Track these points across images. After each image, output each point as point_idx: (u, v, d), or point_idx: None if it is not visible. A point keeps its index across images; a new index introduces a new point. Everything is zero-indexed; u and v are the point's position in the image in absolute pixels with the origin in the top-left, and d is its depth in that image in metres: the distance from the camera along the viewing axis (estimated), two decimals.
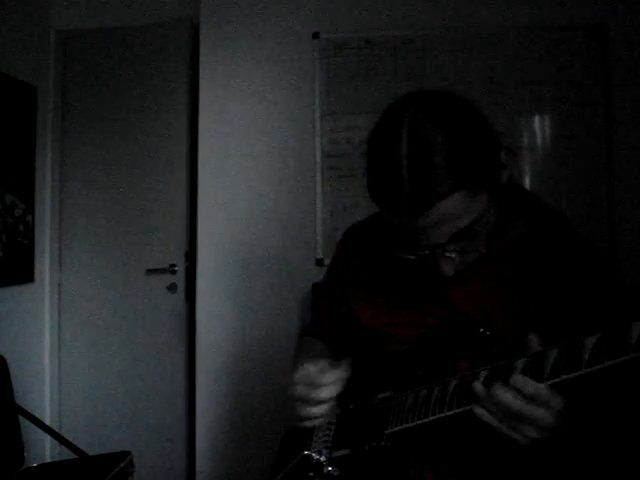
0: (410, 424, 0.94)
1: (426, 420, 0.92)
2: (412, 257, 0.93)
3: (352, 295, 1.15)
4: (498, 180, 0.92)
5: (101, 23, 2.92)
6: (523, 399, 0.77)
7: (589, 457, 0.87)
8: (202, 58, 2.71)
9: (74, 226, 2.91)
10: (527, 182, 2.53)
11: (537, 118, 2.55)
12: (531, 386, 0.77)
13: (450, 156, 0.84)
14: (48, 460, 2.75)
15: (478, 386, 0.82)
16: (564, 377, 0.75)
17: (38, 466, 2.16)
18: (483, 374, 0.84)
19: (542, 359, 0.78)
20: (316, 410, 0.98)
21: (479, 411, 0.82)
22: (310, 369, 0.98)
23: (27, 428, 2.24)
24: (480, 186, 0.88)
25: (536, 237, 1.00)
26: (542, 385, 0.76)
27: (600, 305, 0.90)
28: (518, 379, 0.78)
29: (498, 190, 0.93)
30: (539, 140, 2.55)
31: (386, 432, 0.99)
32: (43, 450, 2.78)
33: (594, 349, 0.73)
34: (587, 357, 0.73)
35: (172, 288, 2.77)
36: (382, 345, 1.08)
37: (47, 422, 2.64)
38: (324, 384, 0.96)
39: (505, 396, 0.78)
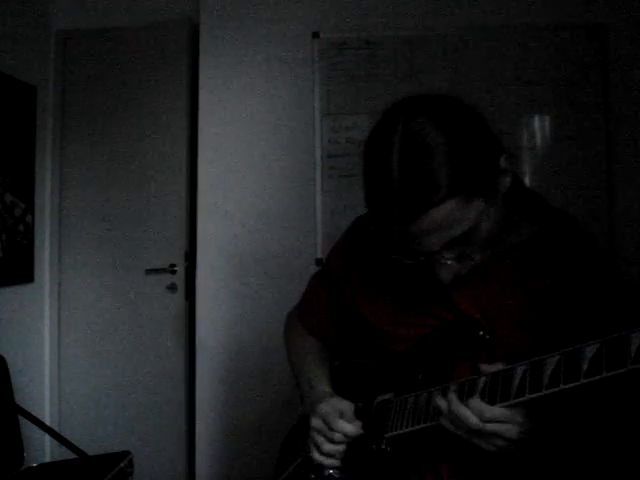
0: (409, 429, 0.93)
1: (424, 426, 0.92)
2: (409, 262, 0.92)
3: (354, 291, 1.13)
4: (496, 186, 0.89)
5: (101, 23, 2.91)
6: (480, 420, 0.82)
7: (580, 459, 0.87)
8: (202, 58, 2.71)
9: (74, 226, 2.91)
10: (527, 182, 2.53)
11: (537, 118, 2.55)
12: (488, 411, 0.82)
13: (443, 163, 0.82)
14: (48, 460, 2.75)
15: (441, 402, 0.87)
16: (529, 396, 0.78)
17: (38, 466, 2.15)
18: (480, 385, 0.85)
19: (541, 368, 0.78)
20: (330, 447, 1.02)
21: (446, 424, 0.86)
22: (330, 410, 1.03)
23: (27, 428, 2.24)
24: (475, 193, 0.85)
25: (547, 239, 0.98)
26: (497, 408, 0.81)
27: (605, 310, 0.90)
28: (475, 404, 0.83)
29: (497, 197, 0.90)
30: (539, 140, 2.55)
31: (386, 436, 0.98)
32: (43, 450, 2.77)
33: (593, 360, 0.72)
34: (586, 368, 0.72)
35: (172, 288, 2.77)
36: (383, 344, 1.07)
37: (47, 422, 2.64)
38: (338, 433, 1.01)
39: (465, 415, 0.83)
